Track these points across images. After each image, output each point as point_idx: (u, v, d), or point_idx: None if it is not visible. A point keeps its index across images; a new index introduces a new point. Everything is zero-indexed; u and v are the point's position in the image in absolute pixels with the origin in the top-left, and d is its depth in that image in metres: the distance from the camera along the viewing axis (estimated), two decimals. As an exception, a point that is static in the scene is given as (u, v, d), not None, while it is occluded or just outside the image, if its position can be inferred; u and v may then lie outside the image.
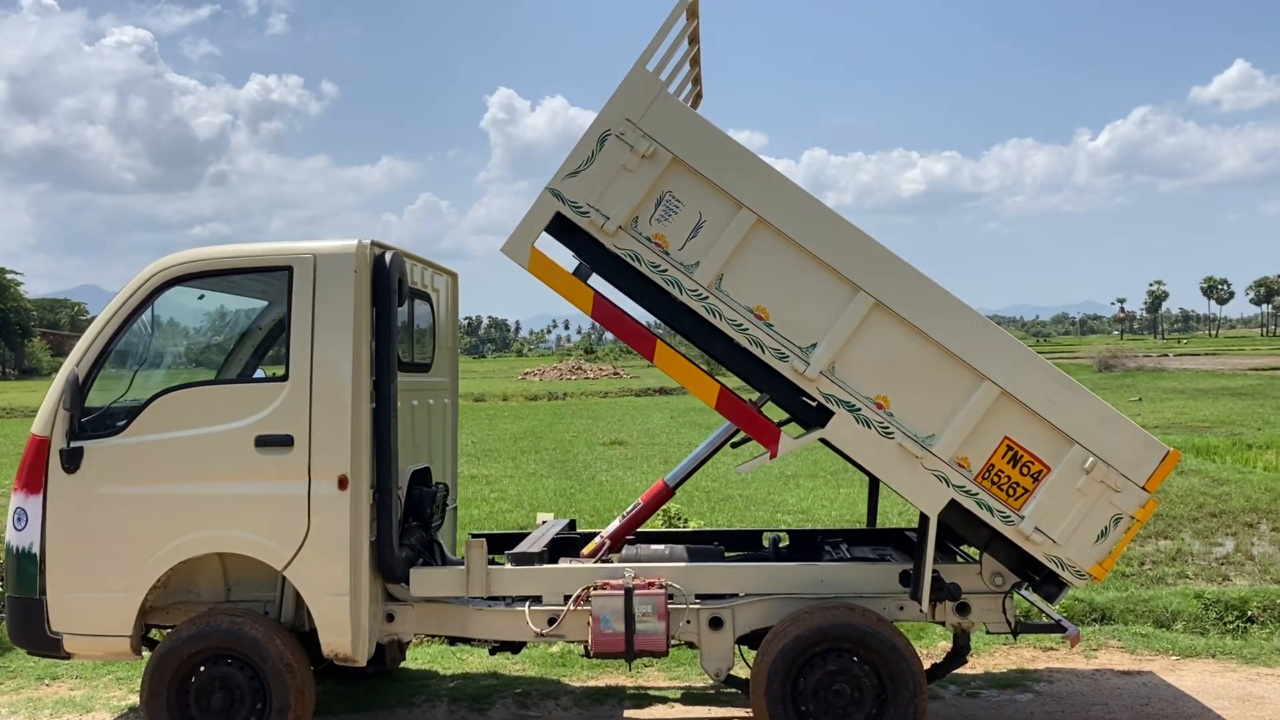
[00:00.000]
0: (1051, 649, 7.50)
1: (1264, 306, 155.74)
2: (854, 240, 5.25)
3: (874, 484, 7.00)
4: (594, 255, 5.36)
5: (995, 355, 5.25)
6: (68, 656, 5.66)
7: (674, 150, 5.16)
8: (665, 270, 5.21)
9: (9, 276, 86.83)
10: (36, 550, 5.52)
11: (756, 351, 5.25)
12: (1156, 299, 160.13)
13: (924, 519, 5.32)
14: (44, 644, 5.60)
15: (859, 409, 5.24)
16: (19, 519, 5.57)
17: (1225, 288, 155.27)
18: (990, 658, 7.32)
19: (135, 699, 6.70)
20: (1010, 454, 5.28)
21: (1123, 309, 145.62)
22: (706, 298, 5.21)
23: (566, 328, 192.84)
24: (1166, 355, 65.36)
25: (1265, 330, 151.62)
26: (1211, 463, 15.35)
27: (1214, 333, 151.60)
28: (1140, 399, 29.17)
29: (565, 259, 5.48)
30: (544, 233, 5.31)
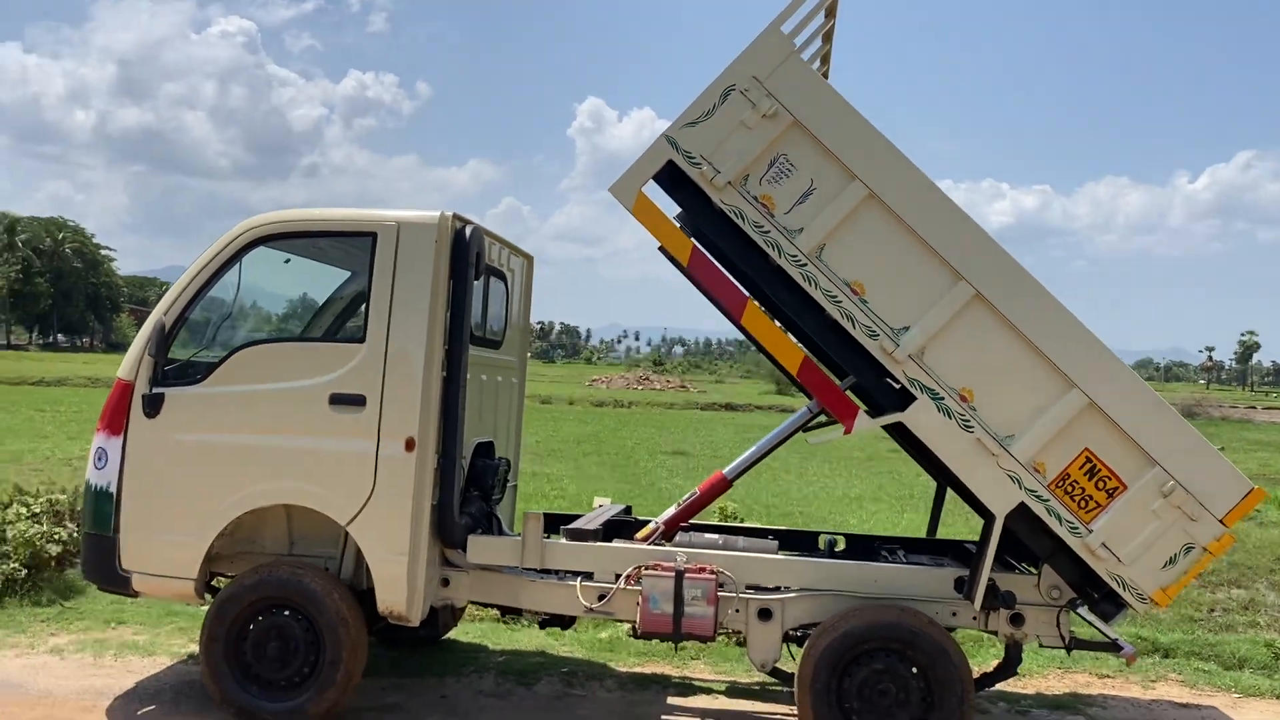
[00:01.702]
0: (1107, 676, 7.33)
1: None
2: (963, 229, 5.20)
3: (939, 494, 6.93)
4: (697, 210, 5.39)
5: (1090, 365, 5.17)
6: (135, 594, 5.87)
7: (796, 114, 5.16)
8: (768, 232, 5.21)
9: (104, 253, 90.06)
10: (114, 489, 5.74)
11: (847, 325, 5.21)
12: (1248, 349, 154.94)
13: (989, 519, 5.25)
14: (114, 581, 5.82)
15: (942, 398, 5.19)
16: (99, 458, 5.80)
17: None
18: (1044, 680, 7.18)
19: (195, 647, 6.90)
20: (1088, 466, 5.20)
21: (1210, 357, 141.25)
22: (805, 265, 5.19)
23: (636, 339, 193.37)
24: (1255, 408, 63.19)
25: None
26: (1294, 516, 14.79)
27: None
28: (1223, 448, 28.25)
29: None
30: (651, 180, 5.32)
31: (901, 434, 6.19)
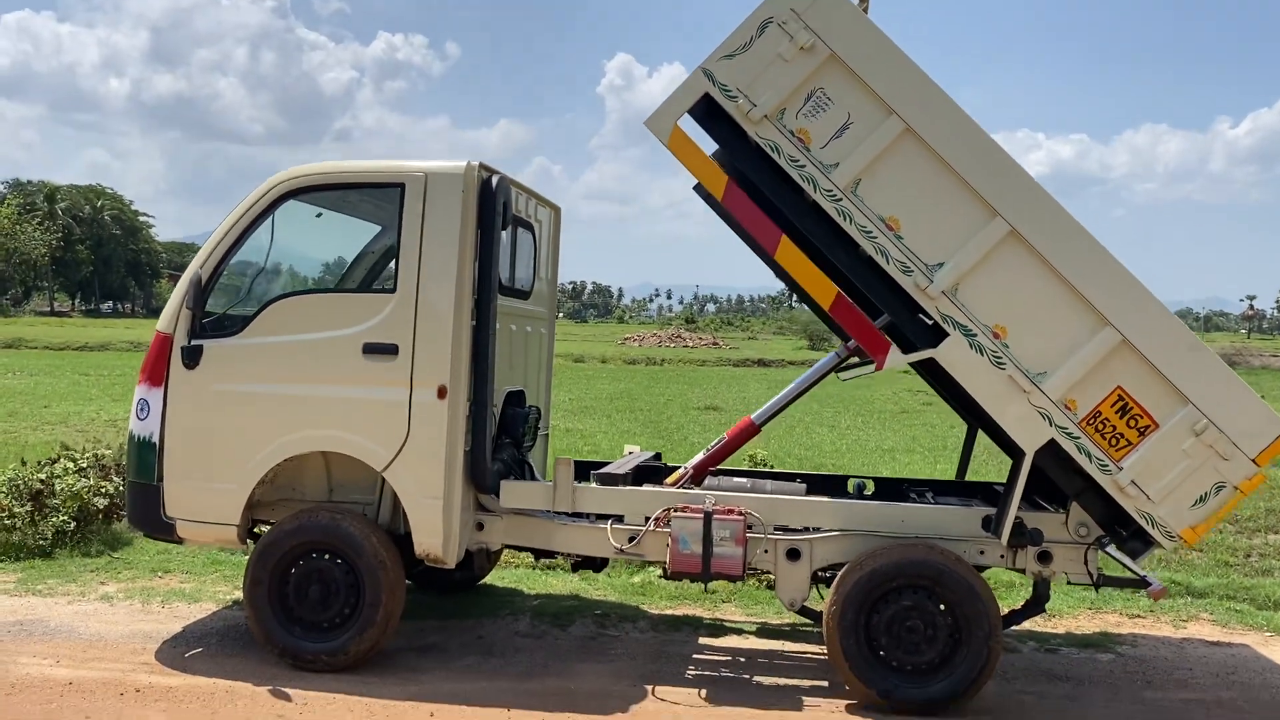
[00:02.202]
0: (1138, 616, 7.36)
1: None
2: (1001, 165, 5.17)
3: (969, 437, 6.95)
4: (732, 145, 5.40)
5: (1125, 303, 5.15)
6: (180, 541, 6.06)
7: (834, 47, 5.12)
8: (804, 166, 5.20)
9: (142, 219, 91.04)
10: (156, 439, 5.90)
11: (880, 261, 5.21)
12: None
13: (1019, 456, 5.28)
14: (159, 528, 6.00)
15: (975, 335, 5.20)
16: (141, 409, 5.95)
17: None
18: (1074, 620, 7.23)
19: (239, 594, 7.10)
20: (1120, 404, 5.19)
21: (1251, 306, 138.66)
22: (840, 199, 5.19)
23: (669, 297, 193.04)
24: (1296, 356, 62.06)
25: None
26: (1333, 462, 14.61)
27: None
28: (1263, 397, 27.93)
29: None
30: (686, 114, 5.33)
31: (932, 373, 6.21)
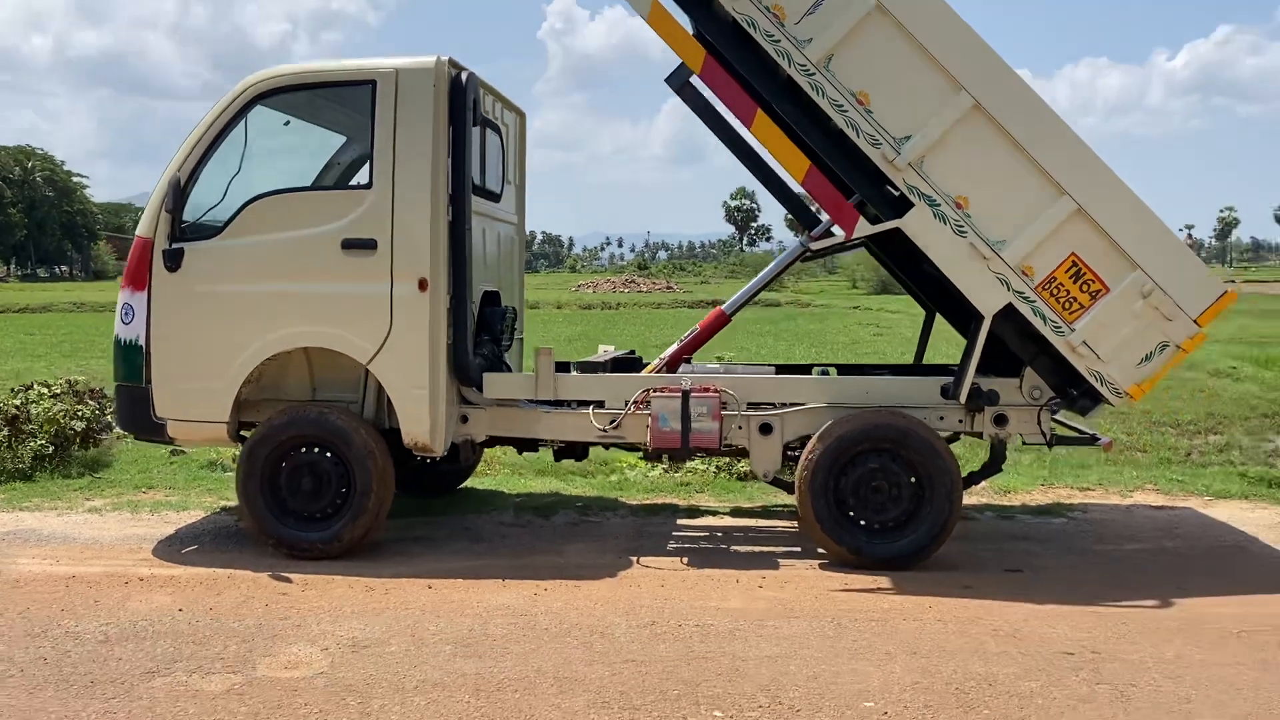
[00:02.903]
0: (1088, 488, 7.79)
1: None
2: (965, 40, 5.41)
3: (927, 323, 7.27)
4: (709, 24, 5.61)
5: (1081, 173, 5.44)
6: (171, 441, 6.21)
7: None
8: (779, 41, 5.41)
9: (75, 180, 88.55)
10: (142, 342, 6.01)
11: (851, 134, 5.45)
12: (1227, 226, 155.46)
13: (978, 320, 5.59)
14: (150, 429, 6.13)
15: (939, 204, 5.47)
16: (126, 314, 6.05)
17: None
18: (1029, 494, 7.64)
19: (224, 503, 7.28)
20: (1074, 270, 5.51)
21: (1190, 235, 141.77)
22: (814, 74, 5.41)
23: (620, 245, 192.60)
24: (1233, 282, 63.71)
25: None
26: (1269, 371, 15.17)
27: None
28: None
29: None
30: None
31: (892, 254, 6.50)
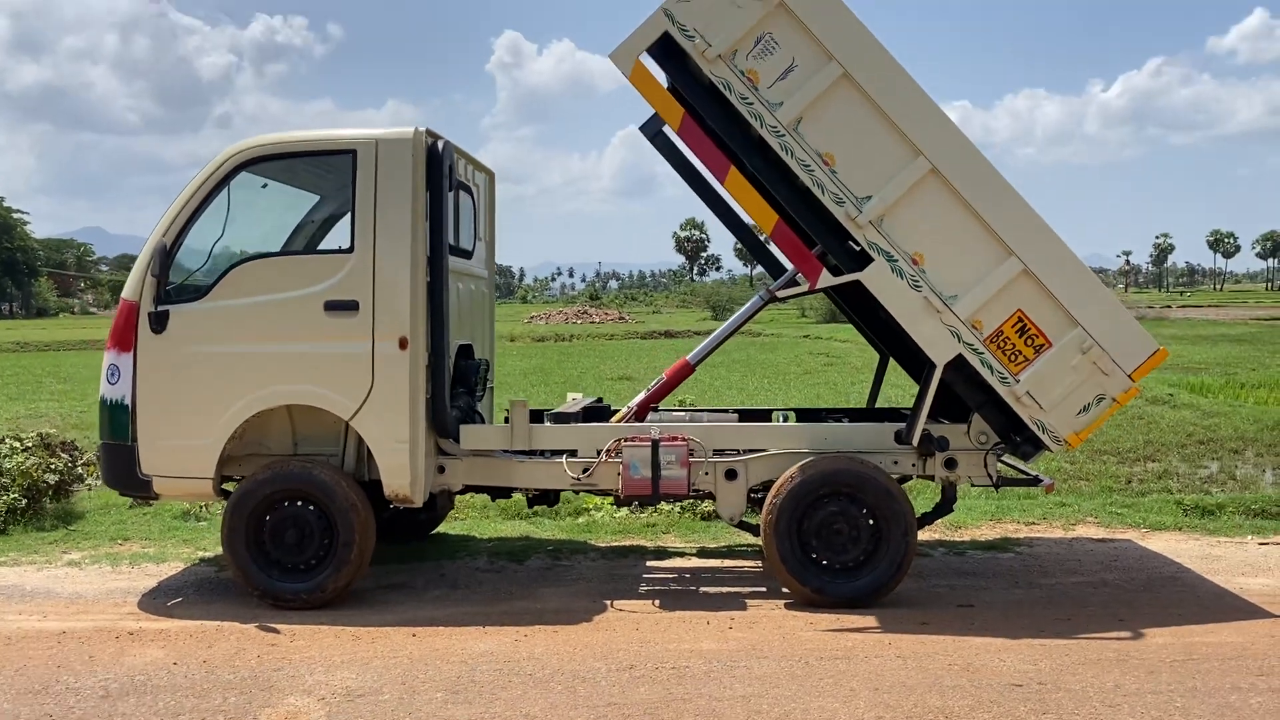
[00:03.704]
0: (1033, 523, 8.22)
1: (1270, 261, 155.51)
2: (925, 110, 5.82)
3: (880, 368, 7.67)
4: (685, 82, 5.97)
5: (1027, 236, 5.88)
6: (156, 497, 6.40)
7: None
8: (752, 104, 5.80)
9: (15, 216, 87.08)
10: (128, 401, 6.20)
11: (817, 192, 5.84)
12: (1162, 252, 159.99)
13: (930, 369, 5.98)
14: (135, 485, 6.30)
15: (896, 260, 5.88)
16: (112, 374, 6.24)
17: (1232, 241, 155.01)
18: (977, 530, 8.05)
19: (201, 554, 7.44)
20: (1019, 325, 5.93)
21: (1128, 262, 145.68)
22: (783, 135, 5.80)
23: (571, 275, 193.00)
24: (1170, 307, 65.65)
25: (1270, 285, 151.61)
26: (1204, 398, 15.76)
27: (1219, 287, 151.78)
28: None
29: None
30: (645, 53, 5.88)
31: (850, 303, 6.91)
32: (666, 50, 5.88)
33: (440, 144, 6.27)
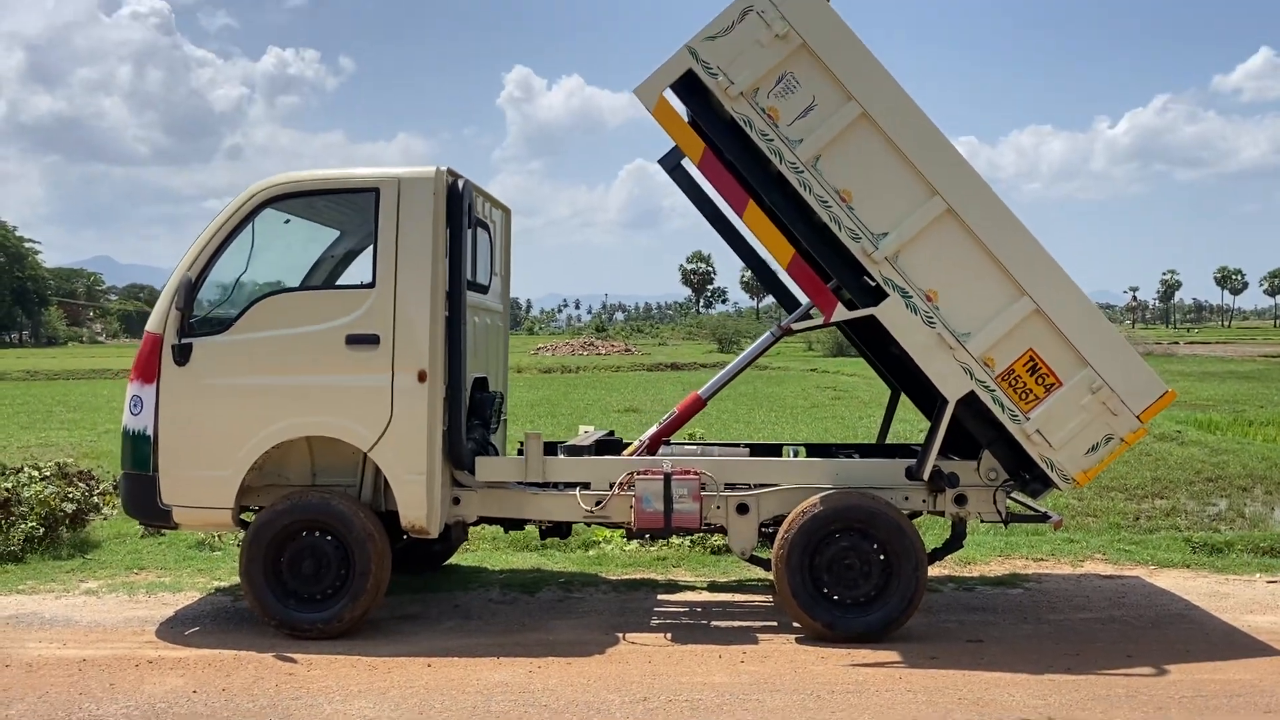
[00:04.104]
0: (1041, 559, 8.27)
1: (1278, 298, 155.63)
2: (942, 150, 5.96)
3: (891, 403, 7.76)
4: (707, 117, 6.11)
5: (1041, 277, 5.99)
6: (176, 526, 6.48)
7: (805, 37, 5.85)
8: (772, 140, 5.93)
9: (27, 245, 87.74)
10: (150, 432, 6.31)
11: (834, 228, 5.96)
12: (1169, 288, 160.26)
13: (942, 404, 6.07)
14: (155, 515, 6.40)
15: (911, 297, 5.99)
16: (135, 405, 6.36)
17: (1239, 278, 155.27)
18: (986, 566, 8.10)
19: (217, 584, 7.52)
20: (1031, 364, 6.03)
21: (1135, 298, 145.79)
22: (802, 172, 5.93)
23: (577, 307, 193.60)
24: (1177, 343, 65.59)
25: (1278, 321, 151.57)
26: (1212, 435, 15.79)
27: (1227, 323, 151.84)
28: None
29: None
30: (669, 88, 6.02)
31: (863, 338, 7.01)
32: (689, 86, 6.03)
33: (461, 183, 6.41)
